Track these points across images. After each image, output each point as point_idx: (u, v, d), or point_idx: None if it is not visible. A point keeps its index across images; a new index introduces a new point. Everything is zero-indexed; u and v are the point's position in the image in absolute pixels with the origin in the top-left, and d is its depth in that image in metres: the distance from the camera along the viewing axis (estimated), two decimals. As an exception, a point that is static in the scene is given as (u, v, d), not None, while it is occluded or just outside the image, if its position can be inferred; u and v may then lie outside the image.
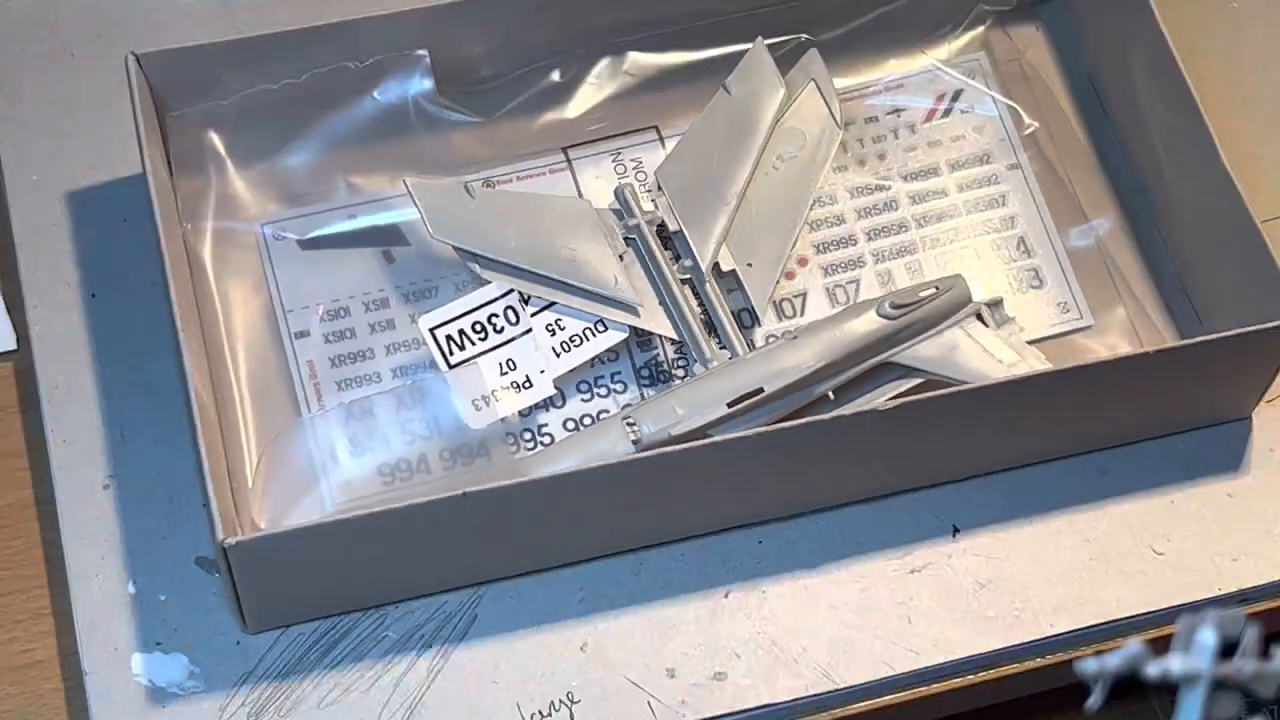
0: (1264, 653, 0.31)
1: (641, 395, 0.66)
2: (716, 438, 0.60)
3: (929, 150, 0.73)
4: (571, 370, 0.64)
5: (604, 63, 0.72)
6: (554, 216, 0.67)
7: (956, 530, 0.64)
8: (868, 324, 0.63)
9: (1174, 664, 0.31)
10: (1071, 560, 0.65)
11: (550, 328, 0.64)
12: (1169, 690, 0.33)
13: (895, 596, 0.62)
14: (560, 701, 0.60)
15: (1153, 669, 0.31)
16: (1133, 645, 0.31)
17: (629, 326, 0.65)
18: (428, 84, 0.69)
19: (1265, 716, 0.33)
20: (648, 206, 0.67)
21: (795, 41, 0.72)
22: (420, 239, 0.67)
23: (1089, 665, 0.32)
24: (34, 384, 0.66)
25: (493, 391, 0.63)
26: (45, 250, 0.69)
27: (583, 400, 0.66)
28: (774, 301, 0.68)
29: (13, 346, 0.68)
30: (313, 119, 0.69)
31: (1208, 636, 0.31)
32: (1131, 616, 0.63)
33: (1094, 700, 0.32)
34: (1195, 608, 0.33)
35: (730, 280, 0.66)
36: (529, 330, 0.64)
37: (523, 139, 0.72)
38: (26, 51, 0.75)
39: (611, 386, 0.66)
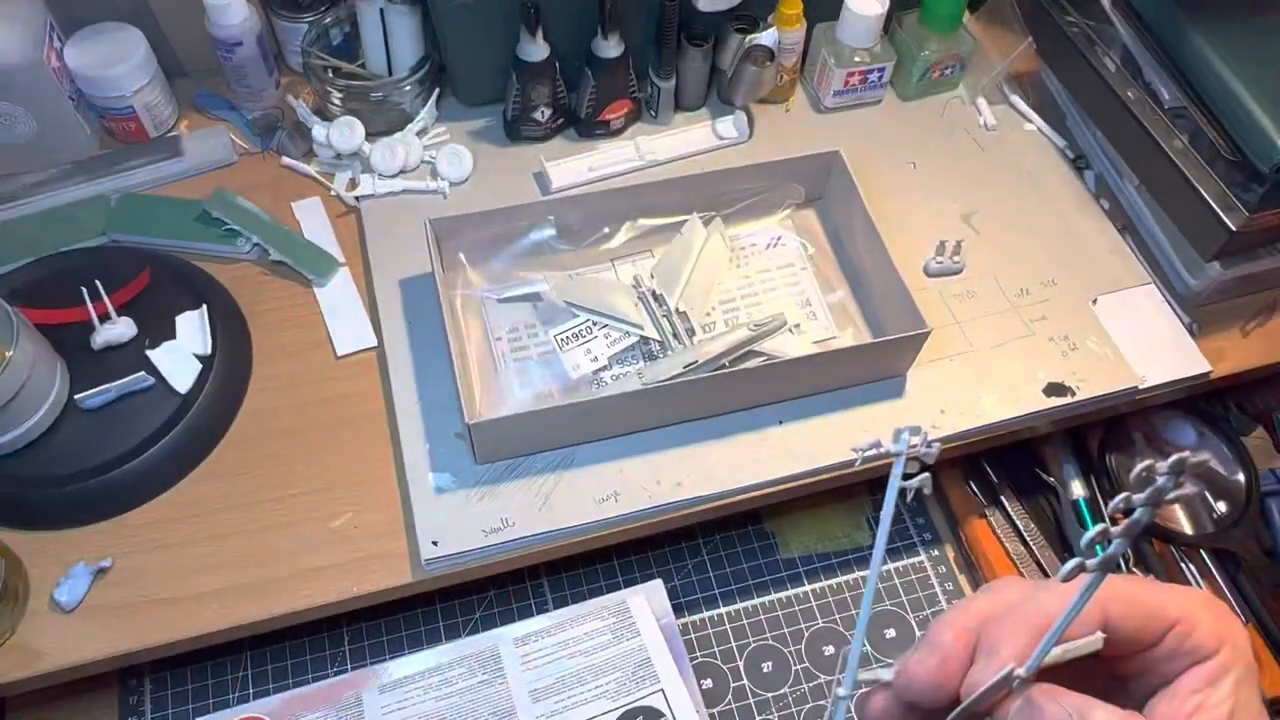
0: (928, 445, 0.34)
1: (644, 363, 0.75)
2: (678, 380, 0.70)
3: (768, 260, 0.82)
4: (614, 353, 0.75)
5: (627, 223, 0.81)
6: (607, 287, 0.78)
7: (781, 421, 0.73)
8: (743, 333, 0.74)
9: (891, 445, 0.34)
10: (834, 433, 0.73)
11: (605, 335, 0.75)
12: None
13: (755, 451, 0.72)
14: (610, 495, 0.69)
15: (882, 448, 0.34)
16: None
17: (639, 335, 0.75)
18: (553, 232, 0.79)
19: (930, 474, 0.34)
20: (648, 283, 0.78)
21: (710, 215, 0.81)
22: (549, 298, 0.77)
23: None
24: (384, 360, 0.76)
25: (580, 362, 0.74)
26: (390, 302, 0.78)
27: (619, 367, 0.75)
28: (701, 325, 0.77)
29: (375, 344, 0.77)
30: (504, 247, 0.79)
31: (905, 434, 0.34)
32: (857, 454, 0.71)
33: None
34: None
35: (683, 315, 0.76)
36: (596, 336, 0.75)
37: (593, 257, 0.81)
38: (381, 219, 0.83)
39: (631, 361, 0.76)
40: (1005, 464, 0.90)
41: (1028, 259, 0.84)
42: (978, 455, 0.89)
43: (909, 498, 0.34)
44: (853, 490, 0.90)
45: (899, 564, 0.87)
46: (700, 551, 0.87)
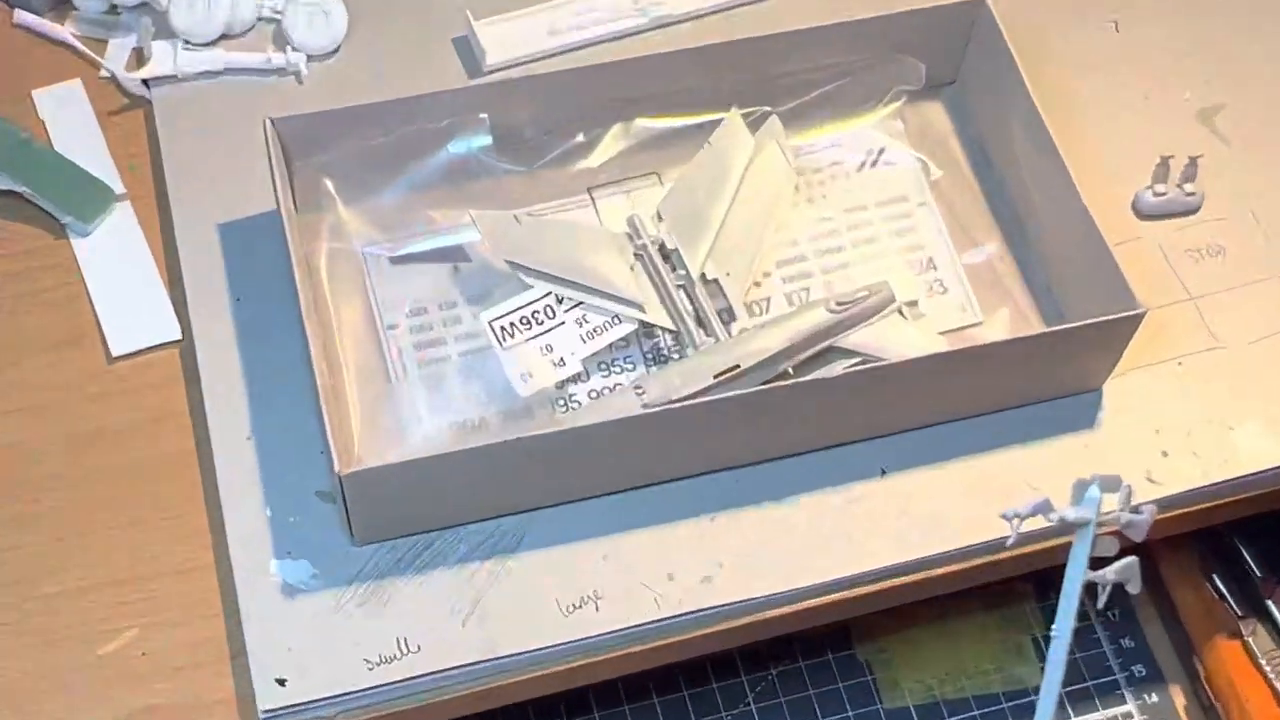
0: (1134, 510, 0.36)
1: (647, 372, 0.77)
2: (707, 399, 0.70)
3: (860, 192, 0.84)
4: (594, 353, 0.76)
5: (617, 126, 0.83)
6: (581, 238, 0.79)
7: (885, 471, 0.75)
8: (817, 317, 0.75)
9: (1069, 512, 0.36)
10: (975, 491, 0.75)
11: (579, 320, 0.76)
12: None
13: (839, 523, 0.73)
14: (587, 598, 0.70)
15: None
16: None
17: (638, 320, 0.77)
18: (487, 141, 0.81)
19: (1139, 559, 0.35)
20: (652, 231, 0.79)
21: (760, 111, 0.83)
22: (480, 256, 0.79)
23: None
24: (194, 363, 0.77)
25: (535, 368, 0.74)
26: (203, 266, 0.80)
27: (602, 376, 0.77)
28: (746, 302, 0.79)
29: (178, 336, 0.78)
30: (401, 167, 0.81)
31: (1095, 491, 0.36)
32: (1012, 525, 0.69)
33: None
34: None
35: (714, 286, 0.78)
36: (563, 323, 0.75)
37: (557, 183, 0.83)
38: (188, 119, 0.86)
39: (624, 366, 0.78)
40: (1274, 545, 0.91)
41: (1314, 189, 0.85)
42: (1226, 530, 0.90)
43: (1102, 599, 0.35)
44: (1009, 592, 0.91)
45: (1089, 717, 0.88)
46: (745, 696, 0.88)
